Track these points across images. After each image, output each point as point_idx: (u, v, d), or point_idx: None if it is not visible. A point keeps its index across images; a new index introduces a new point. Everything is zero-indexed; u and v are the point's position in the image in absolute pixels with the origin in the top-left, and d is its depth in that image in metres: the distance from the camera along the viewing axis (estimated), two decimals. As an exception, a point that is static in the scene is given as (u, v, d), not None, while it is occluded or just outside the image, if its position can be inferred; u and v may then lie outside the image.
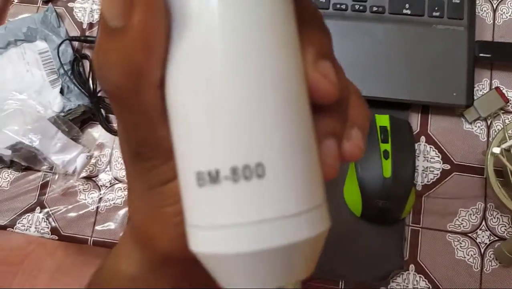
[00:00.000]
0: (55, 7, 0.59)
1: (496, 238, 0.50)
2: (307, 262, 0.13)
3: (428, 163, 0.52)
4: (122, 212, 0.53)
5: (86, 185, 0.55)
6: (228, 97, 0.12)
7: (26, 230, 0.54)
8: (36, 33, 0.57)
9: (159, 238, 0.16)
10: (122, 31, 0.12)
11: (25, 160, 0.53)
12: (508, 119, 0.52)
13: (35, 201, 0.55)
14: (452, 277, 0.49)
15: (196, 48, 0.12)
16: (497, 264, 0.49)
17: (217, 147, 0.12)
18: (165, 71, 0.13)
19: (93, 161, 0.55)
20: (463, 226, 0.50)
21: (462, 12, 0.52)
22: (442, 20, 0.52)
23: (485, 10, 0.55)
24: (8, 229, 0.54)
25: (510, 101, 0.53)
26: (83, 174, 0.54)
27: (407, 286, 0.49)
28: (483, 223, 0.50)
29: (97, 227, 0.53)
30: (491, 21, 0.55)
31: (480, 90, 0.53)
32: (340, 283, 0.50)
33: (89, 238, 0.53)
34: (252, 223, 0.12)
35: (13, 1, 0.61)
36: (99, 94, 0.55)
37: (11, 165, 0.55)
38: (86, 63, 0.56)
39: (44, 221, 0.54)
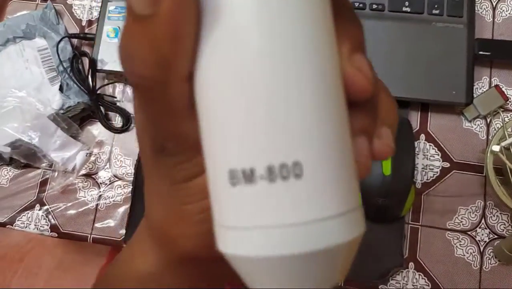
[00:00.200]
0: (54, 4, 0.58)
1: (496, 236, 0.50)
2: (341, 266, 0.13)
3: (427, 161, 0.52)
4: (122, 209, 0.53)
5: (85, 182, 0.55)
6: (265, 92, 0.11)
7: (26, 227, 0.54)
8: (35, 30, 0.57)
9: (179, 237, 0.16)
10: (150, 19, 0.11)
11: (24, 157, 0.53)
12: (508, 117, 0.52)
13: (35, 198, 0.55)
14: (452, 275, 0.49)
15: (231, 40, 0.11)
16: (496, 262, 0.49)
17: (253, 144, 0.12)
18: (195, 63, 0.12)
19: (92, 158, 0.55)
20: (462, 224, 0.50)
21: (461, 10, 0.52)
22: (442, 18, 0.52)
23: (484, 8, 0.55)
24: (7, 226, 0.54)
25: (509, 99, 0.53)
26: (83, 171, 0.54)
27: (407, 284, 0.49)
28: (483, 221, 0.50)
29: (97, 225, 0.53)
30: (491, 19, 0.55)
31: (480, 88, 0.53)
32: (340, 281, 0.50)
33: (89, 235, 0.53)
34: (288, 226, 0.11)
35: (12, -2, 0.61)
36: (98, 92, 0.55)
37: (10, 162, 0.55)
38: (86, 61, 0.56)
39: (44, 218, 0.54)
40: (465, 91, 0.50)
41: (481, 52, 0.51)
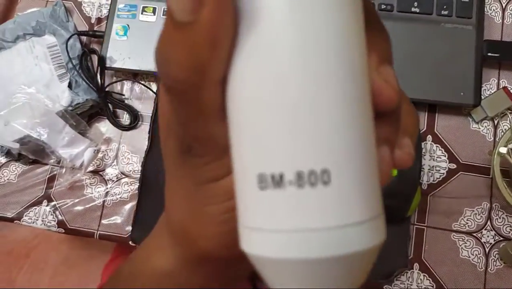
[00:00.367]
0: (63, 1, 0.59)
1: (501, 238, 0.50)
2: (361, 272, 0.13)
3: (434, 162, 0.52)
4: (129, 206, 0.54)
5: (93, 179, 0.55)
6: (298, 99, 0.12)
7: (33, 222, 0.54)
8: (44, 27, 0.57)
9: (200, 236, 0.16)
10: (190, 26, 0.11)
11: (32, 153, 0.54)
12: (516, 119, 0.52)
13: (42, 194, 0.55)
14: (456, 276, 0.49)
15: (266, 47, 0.12)
16: (501, 264, 0.49)
17: (283, 150, 0.12)
18: (229, 69, 0.13)
19: (100, 155, 0.55)
20: (468, 226, 0.50)
21: (471, 11, 0.52)
22: (451, 19, 0.52)
23: (494, 10, 0.55)
24: (15, 221, 0.55)
25: (517, 101, 0.52)
26: (90, 168, 0.55)
27: (411, 285, 0.49)
28: (488, 222, 0.50)
29: (104, 221, 0.54)
30: (500, 21, 0.55)
31: (488, 90, 0.53)
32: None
33: (95, 231, 0.54)
34: (314, 230, 0.12)
35: (22, -5, 0.62)
36: (106, 89, 0.56)
37: (18, 158, 0.55)
38: (95, 58, 0.56)
39: (51, 214, 0.54)
40: (473, 92, 0.50)
41: (489, 54, 0.51)
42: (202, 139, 0.14)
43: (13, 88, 0.54)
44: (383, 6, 0.53)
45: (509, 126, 0.51)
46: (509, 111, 0.52)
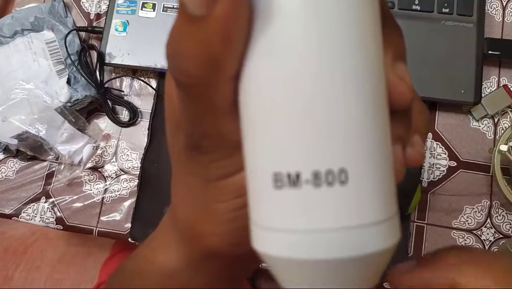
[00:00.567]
0: (62, -3, 0.58)
1: (501, 236, 0.50)
2: (375, 273, 0.13)
3: (434, 160, 0.52)
4: (128, 203, 0.54)
5: (91, 175, 0.55)
6: (314, 97, 0.11)
7: (31, 219, 0.54)
8: (43, 23, 0.57)
9: (207, 234, 0.16)
10: (203, 20, 0.11)
11: (31, 149, 0.53)
12: (516, 117, 0.52)
13: (41, 190, 0.55)
14: (456, 273, 0.49)
15: (282, 44, 0.12)
16: (501, 262, 0.49)
17: (300, 149, 0.12)
18: (243, 65, 0.12)
19: (99, 151, 0.55)
20: (468, 223, 0.50)
21: (471, 9, 0.52)
22: (452, 17, 0.52)
23: (494, 8, 0.55)
24: (13, 218, 0.54)
25: (517, 99, 0.53)
26: (89, 165, 0.54)
27: (411, 282, 0.49)
28: (488, 220, 0.50)
29: (102, 218, 0.53)
30: (501, 19, 0.55)
31: (488, 88, 0.53)
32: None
33: (94, 228, 0.53)
34: (331, 230, 0.12)
35: (20, -10, 0.61)
36: (106, 85, 0.55)
37: (17, 154, 0.55)
38: (94, 54, 0.56)
39: (50, 211, 0.54)
40: (474, 90, 0.50)
41: (490, 52, 0.51)
42: (212, 136, 0.14)
43: (11, 84, 0.54)
44: (384, 3, 0.53)
45: (509, 124, 0.51)
46: (510, 109, 0.52)
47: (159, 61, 0.53)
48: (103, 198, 0.54)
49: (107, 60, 0.54)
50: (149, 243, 0.21)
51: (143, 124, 0.55)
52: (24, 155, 0.55)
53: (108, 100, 0.55)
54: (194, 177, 0.16)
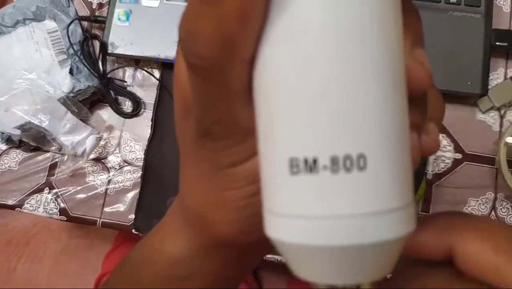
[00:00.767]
0: (64, -14, 0.58)
1: (506, 228, 0.50)
2: (388, 261, 0.12)
3: (439, 152, 0.52)
4: (131, 194, 0.53)
5: (95, 166, 0.54)
6: (333, 82, 0.11)
7: (35, 210, 0.54)
8: (45, 12, 0.56)
9: (217, 221, 0.16)
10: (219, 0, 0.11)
11: (34, 140, 0.53)
12: (522, 109, 0.52)
13: (44, 181, 0.55)
14: (460, 266, 0.49)
15: (300, 26, 0.11)
16: (505, 254, 0.49)
17: (318, 133, 0.11)
18: (258, 50, 0.12)
19: (102, 142, 0.55)
20: (472, 216, 0.50)
21: (479, 0, 0.51)
22: (459, 7, 0.51)
23: (502, -2, 0.54)
24: (16, 209, 0.54)
25: (524, 91, 0.52)
26: (92, 156, 0.54)
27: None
28: (493, 213, 0.50)
29: (106, 209, 0.53)
30: (509, 10, 0.54)
31: (495, 80, 0.53)
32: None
33: (98, 219, 0.53)
34: (349, 216, 0.11)
35: (22, -21, 0.60)
36: (108, 76, 0.55)
37: (20, 145, 0.55)
38: (96, 44, 0.55)
39: (53, 202, 0.54)
40: (480, 82, 0.50)
41: (497, 43, 0.51)
42: (224, 122, 0.13)
43: (13, 74, 0.53)
44: (390, -7, 0.52)
45: (515, 117, 0.51)
46: (516, 101, 0.52)
47: (163, 51, 0.53)
48: (106, 189, 0.54)
49: (109, 50, 0.54)
50: (155, 233, 0.21)
51: (147, 116, 0.55)
52: (27, 145, 0.54)
53: (111, 91, 0.55)
54: (204, 164, 0.15)
